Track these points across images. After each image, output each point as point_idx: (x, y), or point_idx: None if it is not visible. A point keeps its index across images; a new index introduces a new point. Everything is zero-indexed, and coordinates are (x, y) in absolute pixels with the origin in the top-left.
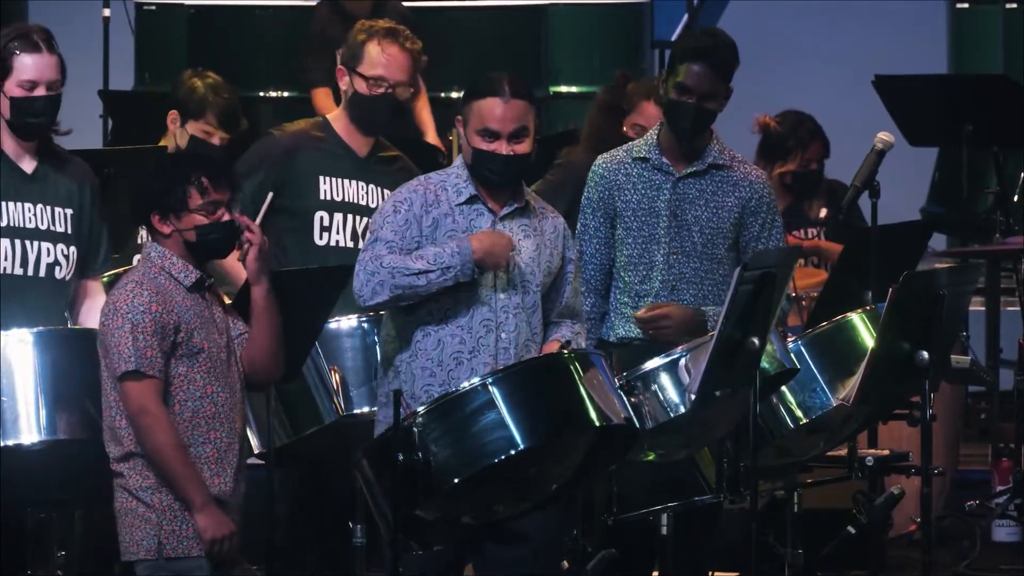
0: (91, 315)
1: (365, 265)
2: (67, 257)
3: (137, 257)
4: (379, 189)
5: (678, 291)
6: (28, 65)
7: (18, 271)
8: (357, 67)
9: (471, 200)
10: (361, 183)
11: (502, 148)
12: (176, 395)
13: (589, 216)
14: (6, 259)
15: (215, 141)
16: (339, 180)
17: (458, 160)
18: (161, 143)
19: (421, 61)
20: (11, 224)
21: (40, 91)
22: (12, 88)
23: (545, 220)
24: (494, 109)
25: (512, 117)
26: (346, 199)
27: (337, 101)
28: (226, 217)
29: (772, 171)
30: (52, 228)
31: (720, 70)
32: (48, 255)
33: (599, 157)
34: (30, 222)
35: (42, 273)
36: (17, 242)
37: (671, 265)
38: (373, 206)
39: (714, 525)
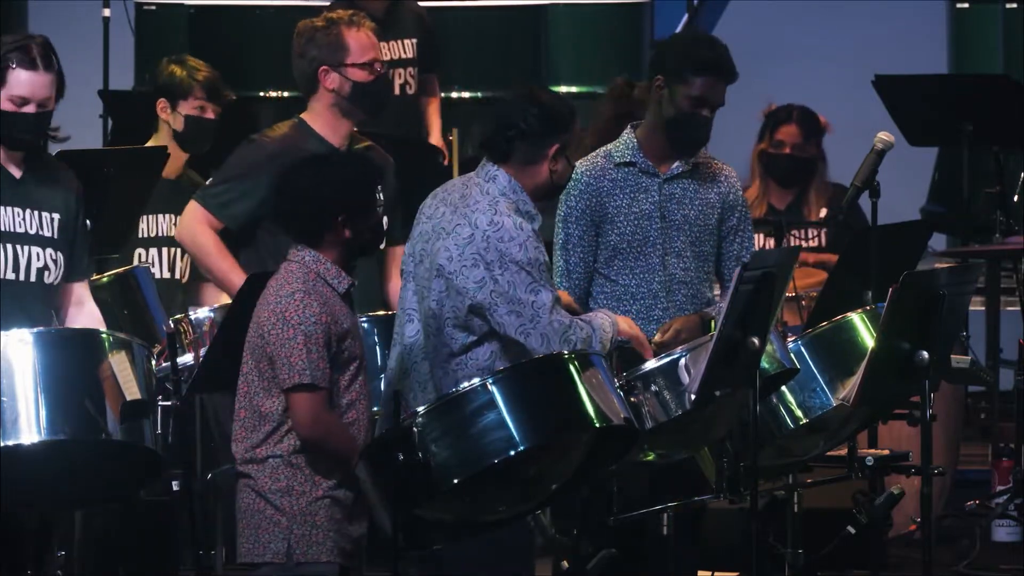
0: (77, 319)
1: (549, 336)
2: (55, 262)
3: (138, 253)
4: None
5: (673, 292)
6: (22, 81)
7: (10, 275)
8: (346, 59)
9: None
10: None
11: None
12: None
13: (573, 225)
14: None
15: (209, 115)
16: None
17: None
18: (154, 138)
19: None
20: (2, 228)
21: (30, 108)
22: (3, 101)
23: None
24: (715, 86)
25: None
26: None
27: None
28: None
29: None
30: (41, 233)
31: (730, 83)
32: (38, 260)
33: (579, 164)
34: (20, 226)
35: (32, 278)
36: (9, 246)
37: (666, 267)
38: None
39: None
